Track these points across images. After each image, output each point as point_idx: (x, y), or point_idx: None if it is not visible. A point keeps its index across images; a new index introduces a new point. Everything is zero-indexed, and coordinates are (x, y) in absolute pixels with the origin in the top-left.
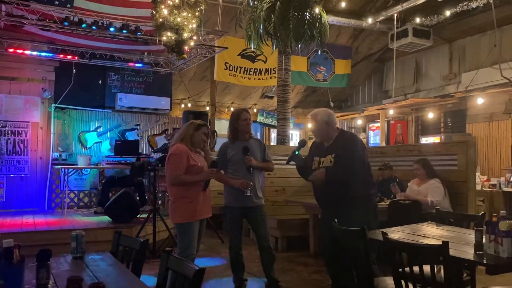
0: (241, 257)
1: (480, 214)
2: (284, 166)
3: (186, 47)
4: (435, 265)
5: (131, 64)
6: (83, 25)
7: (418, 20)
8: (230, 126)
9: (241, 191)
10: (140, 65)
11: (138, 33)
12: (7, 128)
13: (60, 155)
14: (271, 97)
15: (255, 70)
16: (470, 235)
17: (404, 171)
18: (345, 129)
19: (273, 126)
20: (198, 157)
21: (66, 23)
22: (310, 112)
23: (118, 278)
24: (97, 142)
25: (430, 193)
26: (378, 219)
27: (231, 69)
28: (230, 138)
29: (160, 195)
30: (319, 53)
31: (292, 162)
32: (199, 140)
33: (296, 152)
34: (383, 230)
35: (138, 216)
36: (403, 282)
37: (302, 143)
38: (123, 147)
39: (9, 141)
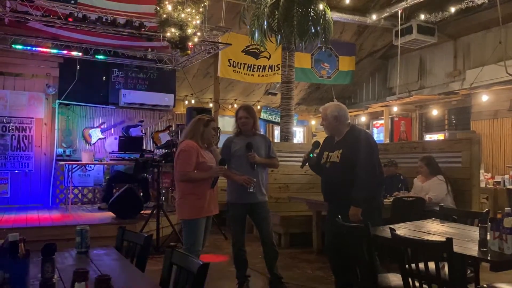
0: (245, 253)
1: (485, 211)
2: (288, 163)
3: (190, 43)
4: (439, 262)
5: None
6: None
7: (422, 16)
8: (235, 122)
9: (244, 187)
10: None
11: (142, 29)
12: (11, 124)
13: (64, 151)
14: (275, 94)
15: (259, 67)
16: (474, 232)
17: (408, 168)
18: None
19: (277, 123)
20: (207, 154)
21: (70, 19)
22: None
23: (122, 272)
24: (100, 138)
25: (431, 190)
26: (382, 216)
27: (234, 65)
28: (235, 133)
29: (163, 191)
30: (323, 49)
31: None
32: (209, 136)
33: (311, 155)
34: (389, 226)
35: (141, 212)
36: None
37: (316, 145)
38: (127, 143)
39: (13, 137)
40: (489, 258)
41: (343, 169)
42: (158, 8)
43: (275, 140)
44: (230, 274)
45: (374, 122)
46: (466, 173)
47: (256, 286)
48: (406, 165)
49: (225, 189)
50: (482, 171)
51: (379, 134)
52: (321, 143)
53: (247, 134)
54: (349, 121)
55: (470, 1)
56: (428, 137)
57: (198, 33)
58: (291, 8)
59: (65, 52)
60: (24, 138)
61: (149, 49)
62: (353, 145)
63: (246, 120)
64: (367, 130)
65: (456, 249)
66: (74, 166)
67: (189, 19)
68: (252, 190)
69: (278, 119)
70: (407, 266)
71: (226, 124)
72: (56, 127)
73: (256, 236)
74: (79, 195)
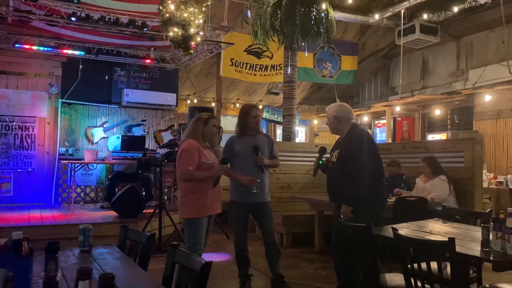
0: (247, 252)
1: (487, 211)
2: (290, 163)
3: (192, 43)
4: (441, 262)
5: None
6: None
7: (425, 16)
8: (239, 121)
9: (248, 187)
10: (150, 61)
11: (145, 29)
12: (14, 123)
13: (66, 150)
14: (277, 94)
15: (261, 66)
16: (476, 232)
17: (410, 167)
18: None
19: (279, 123)
20: (209, 153)
21: (73, 19)
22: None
23: (125, 271)
24: (103, 137)
25: (434, 190)
26: (384, 215)
27: (237, 65)
28: (238, 133)
29: (166, 190)
30: (325, 49)
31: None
32: (209, 134)
33: (320, 162)
34: (392, 226)
35: (144, 211)
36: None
37: (323, 151)
38: (130, 142)
39: (16, 136)
40: (491, 258)
41: (339, 168)
42: (161, 8)
43: (277, 140)
44: (232, 273)
45: (376, 122)
46: (469, 173)
47: (258, 285)
48: (409, 165)
49: (228, 188)
50: (484, 171)
51: (381, 134)
52: (332, 144)
53: (251, 134)
54: (353, 120)
55: (473, 1)
56: (431, 137)
57: (201, 33)
58: (294, 8)
59: (68, 51)
60: (27, 137)
61: (152, 49)
62: (348, 145)
63: (259, 118)
64: (367, 130)
65: (458, 249)
66: (76, 165)
67: (192, 18)
68: (255, 191)
69: (280, 119)
70: (409, 266)
71: (228, 123)
72: (58, 126)
73: (258, 236)
74: (82, 194)
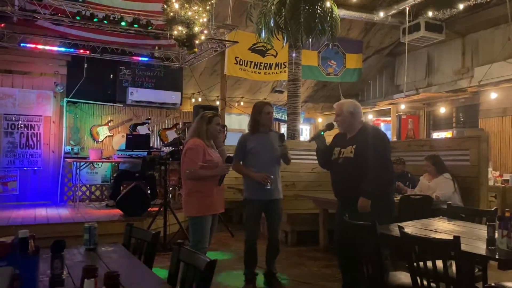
0: (256, 251)
1: (493, 209)
2: (294, 161)
3: (197, 41)
4: (447, 260)
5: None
6: (95, 20)
7: (430, 13)
8: (252, 118)
9: (262, 184)
10: (145, 58)
11: (149, 27)
12: (20, 122)
13: (72, 149)
14: (281, 92)
15: (265, 65)
16: (482, 230)
17: (415, 166)
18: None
19: (283, 121)
20: (213, 152)
21: (78, 18)
22: (336, 102)
23: (130, 269)
24: (108, 136)
25: (438, 188)
26: (393, 214)
27: (241, 63)
28: (251, 131)
29: (170, 189)
30: (330, 47)
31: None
32: (214, 132)
33: (322, 133)
34: (398, 224)
35: (148, 209)
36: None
37: (330, 126)
38: (135, 141)
39: (22, 134)
40: (497, 257)
41: (357, 163)
42: (165, 6)
43: None
44: (236, 271)
45: (374, 119)
46: (474, 171)
47: (262, 284)
48: (414, 163)
49: (231, 187)
50: (490, 169)
51: (385, 132)
52: (332, 139)
53: (264, 131)
54: (362, 119)
55: None
56: (436, 134)
57: (205, 31)
58: (298, 6)
59: (73, 50)
60: (32, 135)
61: (156, 47)
62: (368, 141)
63: (272, 114)
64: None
65: (464, 247)
66: (82, 163)
67: (196, 17)
68: (269, 187)
69: (284, 117)
70: (415, 264)
71: (233, 122)
72: (64, 125)
73: (262, 234)
74: (87, 193)
